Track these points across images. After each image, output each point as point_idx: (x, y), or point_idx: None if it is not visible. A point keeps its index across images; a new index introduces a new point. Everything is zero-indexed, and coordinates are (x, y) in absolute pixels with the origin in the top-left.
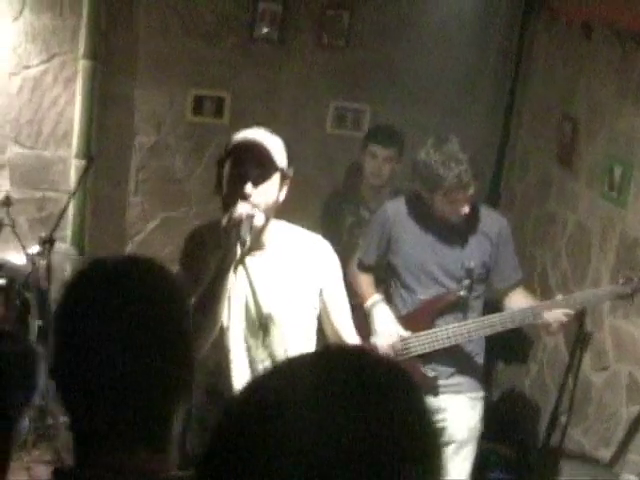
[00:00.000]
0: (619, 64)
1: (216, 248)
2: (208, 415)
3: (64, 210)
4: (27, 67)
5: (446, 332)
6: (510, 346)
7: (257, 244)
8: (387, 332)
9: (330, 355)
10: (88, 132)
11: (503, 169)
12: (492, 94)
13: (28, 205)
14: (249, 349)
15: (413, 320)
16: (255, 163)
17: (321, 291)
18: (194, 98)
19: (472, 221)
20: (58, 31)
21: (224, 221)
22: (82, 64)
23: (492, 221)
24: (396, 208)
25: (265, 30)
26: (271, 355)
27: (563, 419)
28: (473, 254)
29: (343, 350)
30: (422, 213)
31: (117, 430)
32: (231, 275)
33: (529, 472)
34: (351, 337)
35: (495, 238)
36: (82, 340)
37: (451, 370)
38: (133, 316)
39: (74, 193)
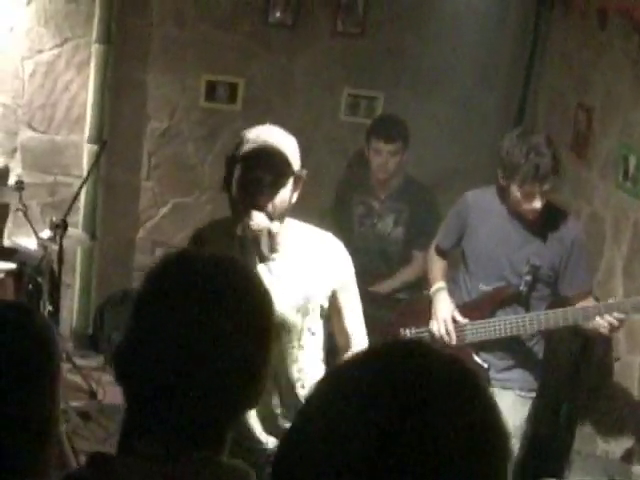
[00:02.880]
0: (635, 54)
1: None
2: None
3: (76, 195)
4: (40, 51)
5: (501, 323)
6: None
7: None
8: (445, 321)
9: (394, 351)
10: (101, 117)
11: None
12: (507, 83)
13: (40, 189)
14: None
15: (473, 309)
16: (270, 169)
17: (334, 292)
18: (207, 84)
19: (548, 222)
20: (71, 15)
21: (239, 231)
22: (95, 48)
23: (569, 227)
24: (476, 197)
25: (279, 16)
26: (282, 360)
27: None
28: (542, 253)
29: (407, 345)
30: (500, 206)
31: (169, 423)
32: None
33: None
34: (362, 337)
35: (569, 244)
36: (154, 328)
37: (504, 364)
38: (210, 312)
39: (86, 178)
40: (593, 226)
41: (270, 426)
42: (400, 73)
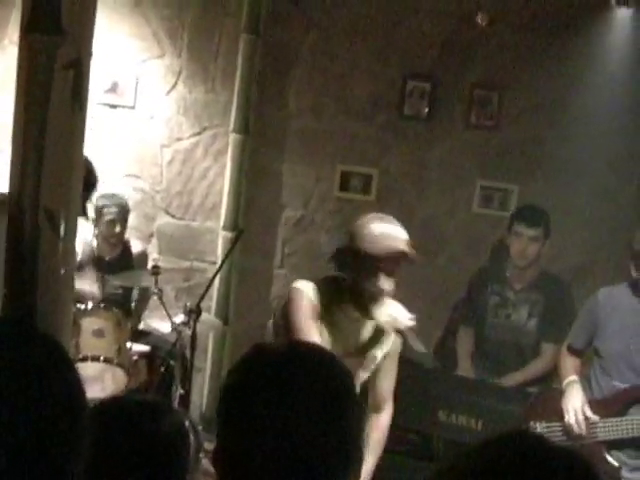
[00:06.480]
0: None
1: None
2: None
3: (211, 281)
4: (179, 139)
5: (634, 422)
6: None
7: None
8: (576, 413)
9: (511, 443)
10: (236, 205)
11: None
12: None
13: (175, 274)
14: None
15: (605, 405)
16: (399, 266)
17: (385, 355)
18: (342, 174)
19: None
20: (210, 105)
21: (371, 286)
22: (232, 138)
23: None
24: (607, 294)
25: (414, 108)
26: None
27: None
28: None
29: (520, 437)
30: (632, 301)
31: None
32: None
33: None
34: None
35: None
36: (249, 425)
37: (636, 464)
38: (300, 403)
39: (221, 265)
40: None
41: None
42: (534, 165)
